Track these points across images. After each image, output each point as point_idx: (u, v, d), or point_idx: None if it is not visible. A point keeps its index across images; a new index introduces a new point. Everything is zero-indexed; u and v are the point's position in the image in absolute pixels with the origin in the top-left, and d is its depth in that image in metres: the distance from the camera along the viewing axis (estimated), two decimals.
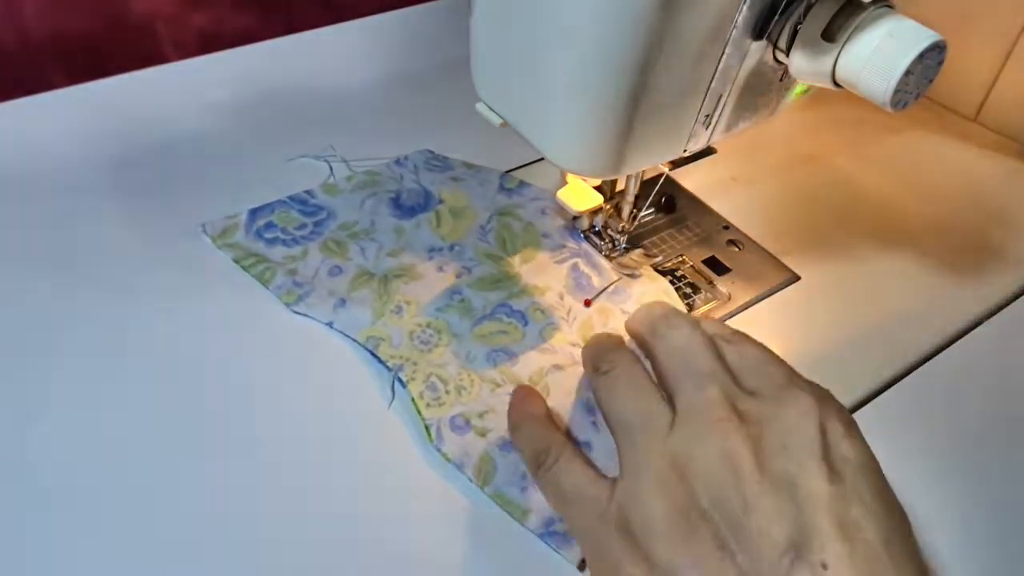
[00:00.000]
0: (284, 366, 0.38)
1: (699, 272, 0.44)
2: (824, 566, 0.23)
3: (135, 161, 0.49)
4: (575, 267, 0.43)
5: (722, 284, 0.43)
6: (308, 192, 0.46)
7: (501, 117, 0.34)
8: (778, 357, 0.31)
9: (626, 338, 0.38)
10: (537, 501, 0.32)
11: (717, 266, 0.44)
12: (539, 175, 0.48)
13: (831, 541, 0.24)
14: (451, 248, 0.43)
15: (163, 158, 0.49)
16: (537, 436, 0.32)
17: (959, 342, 0.42)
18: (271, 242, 0.43)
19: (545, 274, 0.42)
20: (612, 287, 0.42)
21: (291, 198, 0.45)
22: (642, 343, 0.34)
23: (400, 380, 0.37)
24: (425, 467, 0.34)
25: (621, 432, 0.30)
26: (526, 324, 0.40)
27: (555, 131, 0.32)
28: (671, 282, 0.43)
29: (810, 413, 0.27)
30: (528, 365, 0.38)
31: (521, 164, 0.49)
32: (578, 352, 0.38)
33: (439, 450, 0.34)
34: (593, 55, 0.28)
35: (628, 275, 0.42)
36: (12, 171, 0.47)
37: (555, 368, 0.38)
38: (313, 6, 0.66)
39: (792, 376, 0.30)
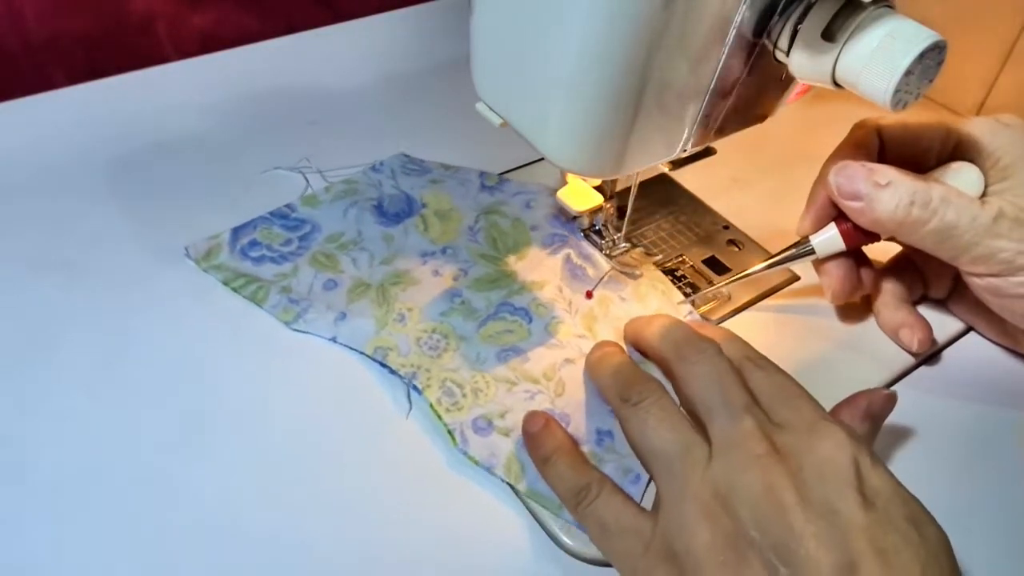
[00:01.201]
0: (290, 379, 0.38)
1: (699, 272, 0.44)
2: None
3: (135, 161, 0.49)
4: (568, 258, 0.43)
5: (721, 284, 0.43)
6: (288, 206, 0.45)
7: (501, 117, 0.34)
8: (801, 387, 0.32)
9: (627, 347, 0.38)
10: None
11: (717, 266, 0.44)
12: (539, 175, 0.48)
13: (873, 566, 0.25)
14: (443, 251, 0.43)
15: (162, 158, 0.49)
16: (572, 472, 0.32)
17: (959, 342, 0.42)
18: (258, 260, 0.42)
19: (540, 268, 0.43)
20: (606, 277, 0.42)
21: (272, 213, 0.45)
22: (664, 365, 0.34)
23: (416, 388, 0.37)
24: (449, 471, 0.34)
25: (656, 463, 0.31)
26: (530, 321, 0.40)
27: (555, 131, 0.32)
28: (672, 282, 0.43)
29: (843, 445, 0.28)
30: (539, 361, 0.38)
31: (522, 164, 0.49)
32: (586, 344, 0.39)
33: (465, 453, 0.34)
34: (593, 55, 0.28)
35: (628, 275, 0.43)
36: (12, 171, 0.47)
37: (567, 362, 0.38)
38: (313, 6, 0.66)
39: (818, 409, 0.31)
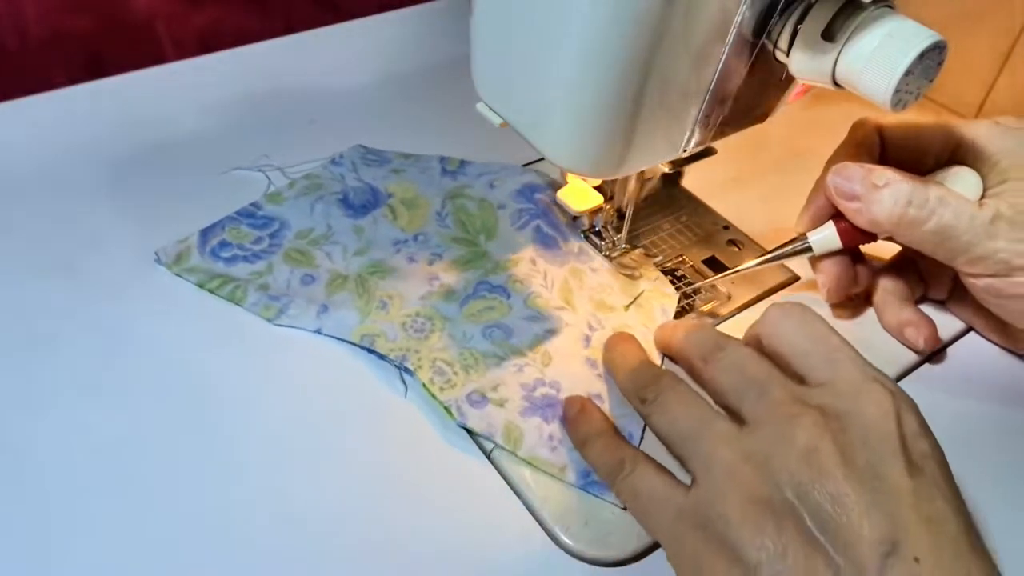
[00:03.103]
0: (288, 374, 0.38)
1: (699, 272, 0.44)
2: (916, 560, 0.24)
3: (135, 161, 0.49)
4: (538, 229, 0.44)
5: (722, 284, 0.43)
6: (253, 204, 0.45)
7: (501, 117, 0.34)
8: (842, 339, 0.30)
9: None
10: (571, 458, 0.34)
11: (717, 266, 0.44)
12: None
13: (920, 535, 0.24)
14: (415, 238, 0.44)
15: (162, 158, 0.49)
16: (610, 450, 0.33)
17: (959, 342, 0.42)
18: (231, 260, 0.42)
19: (512, 244, 0.43)
20: (578, 248, 0.43)
21: (238, 213, 0.45)
22: (693, 370, 0.34)
23: (408, 370, 0.37)
24: (448, 447, 0.35)
25: (682, 444, 0.30)
26: (509, 297, 0.41)
27: (555, 131, 0.32)
28: (671, 282, 0.43)
29: (887, 407, 0.27)
30: (523, 335, 0.39)
31: (522, 164, 0.49)
32: (567, 315, 0.40)
33: (463, 426, 0.35)
34: (594, 55, 0.28)
35: (627, 275, 0.43)
36: (12, 171, 0.47)
37: (549, 333, 0.39)
38: (313, 6, 0.66)
39: (862, 365, 0.29)
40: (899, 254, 0.43)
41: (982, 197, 0.36)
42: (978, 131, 0.38)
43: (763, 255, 0.41)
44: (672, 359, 0.38)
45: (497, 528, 0.32)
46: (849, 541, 0.24)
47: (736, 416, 0.30)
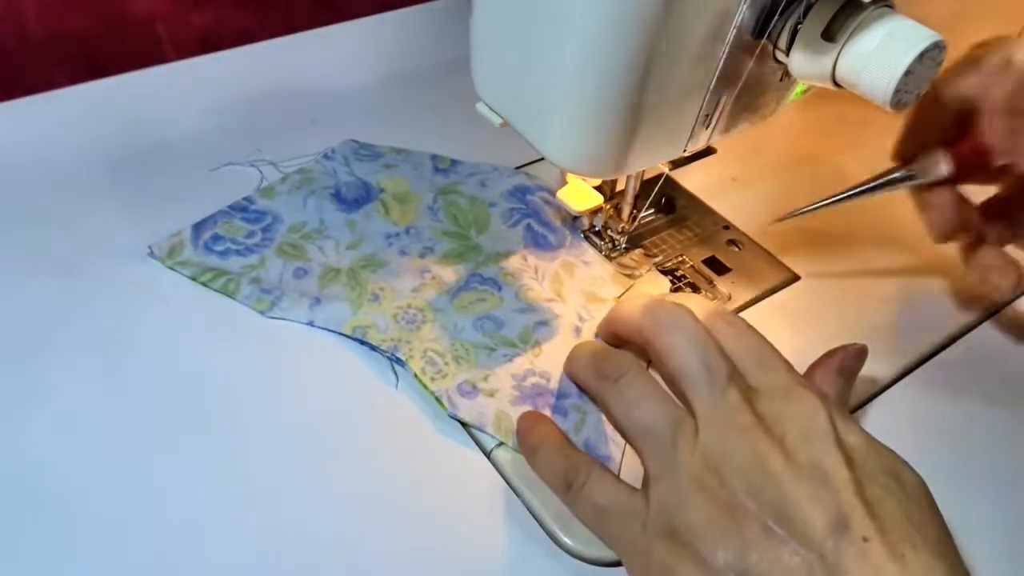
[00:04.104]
0: (295, 370, 0.38)
1: (699, 272, 0.44)
2: (865, 539, 0.26)
3: (135, 161, 0.49)
4: (528, 227, 0.44)
5: (722, 284, 0.43)
6: (246, 199, 0.45)
7: (501, 117, 0.34)
8: (771, 346, 0.32)
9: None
10: None
11: (717, 266, 0.44)
12: (540, 174, 0.48)
13: (864, 517, 0.26)
14: (407, 232, 0.44)
15: (162, 158, 0.49)
16: (559, 459, 0.33)
17: (959, 342, 0.42)
18: (223, 254, 0.42)
19: (503, 240, 0.44)
20: (569, 242, 0.44)
21: (231, 207, 0.45)
22: (642, 341, 0.34)
23: (399, 360, 0.38)
24: (444, 471, 0.35)
25: (644, 440, 0.31)
26: (500, 289, 0.41)
27: (555, 131, 0.32)
28: (671, 282, 0.43)
29: (819, 406, 0.29)
30: (514, 327, 0.39)
31: (522, 164, 0.49)
32: (557, 307, 0.40)
33: (455, 416, 0.35)
34: (594, 55, 0.28)
35: (627, 275, 0.43)
36: (12, 171, 0.47)
37: (540, 324, 0.40)
38: (313, 6, 0.66)
39: (791, 371, 0.32)
40: (990, 199, 0.41)
41: None
42: None
43: (856, 186, 0.37)
44: (621, 339, 0.37)
45: (497, 528, 0.32)
46: (805, 531, 0.26)
47: (684, 399, 0.31)
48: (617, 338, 0.37)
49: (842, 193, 0.38)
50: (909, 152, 0.38)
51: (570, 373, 0.37)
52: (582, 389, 0.36)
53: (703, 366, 0.30)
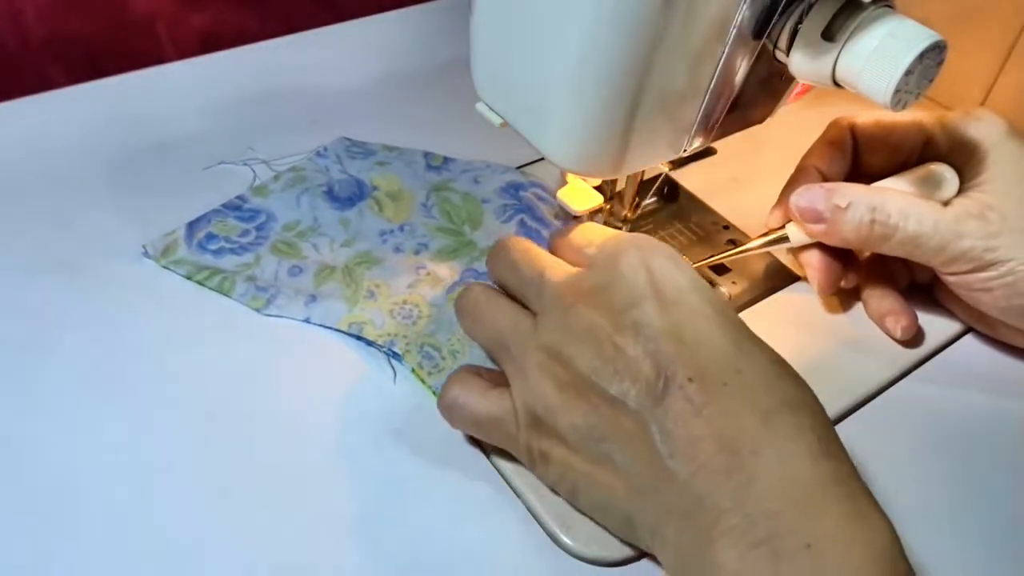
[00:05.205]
0: (274, 362, 0.38)
1: (699, 272, 0.44)
2: (690, 380, 0.27)
3: (134, 161, 0.49)
4: (522, 222, 0.45)
5: (722, 284, 0.43)
6: (239, 197, 0.45)
7: (501, 117, 0.34)
8: (594, 226, 0.35)
9: None
10: None
11: (717, 266, 0.44)
12: (540, 174, 0.48)
13: (685, 359, 0.28)
14: (401, 229, 0.44)
15: (162, 158, 0.49)
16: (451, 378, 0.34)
17: (958, 342, 0.42)
18: (218, 253, 0.42)
19: (496, 235, 0.44)
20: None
21: (224, 206, 0.45)
22: (492, 279, 0.36)
23: (396, 355, 0.38)
24: (448, 447, 0.35)
25: (494, 347, 0.34)
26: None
27: (555, 131, 0.32)
28: None
29: (636, 263, 0.30)
30: None
31: (522, 164, 0.49)
32: None
33: None
34: (594, 55, 0.28)
35: None
36: (12, 171, 0.47)
37: None
38: (313, 6, 0.66)
39: (619, 237, 0.33)
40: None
41: (960, 192, 0.37)
42: (951, 124, 0.38)
43: (741, 247, 0.41)
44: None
45: (497, 528, 0.32)
46: (638, 390, 0.28)
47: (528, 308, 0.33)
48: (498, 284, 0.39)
49: (732, 251, 0.42)
50: (777, 221, 0.41)
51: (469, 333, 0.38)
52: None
53: (521, 271, 0.33)
